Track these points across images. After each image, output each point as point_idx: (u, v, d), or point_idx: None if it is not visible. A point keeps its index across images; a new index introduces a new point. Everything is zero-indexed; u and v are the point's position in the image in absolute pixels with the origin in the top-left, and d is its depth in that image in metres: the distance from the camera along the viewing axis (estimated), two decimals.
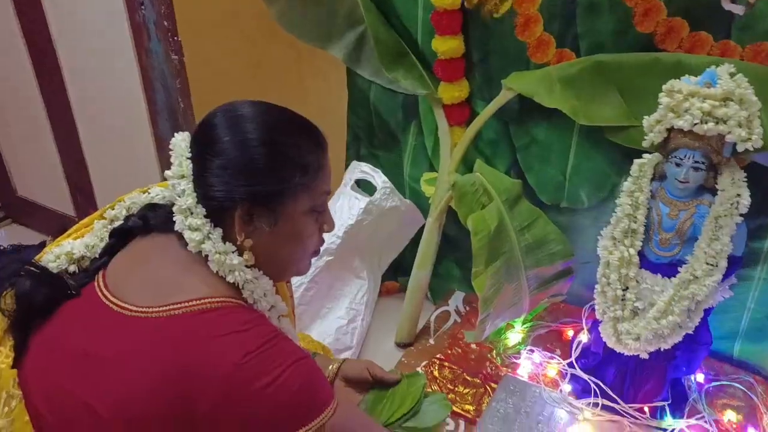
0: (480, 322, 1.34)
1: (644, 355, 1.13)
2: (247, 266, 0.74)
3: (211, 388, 0.64)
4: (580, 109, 1.19)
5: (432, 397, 1.00)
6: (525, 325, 1.47)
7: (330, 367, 1.03)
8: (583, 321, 1.36)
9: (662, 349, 1.12)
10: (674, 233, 1.10)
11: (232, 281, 0.72)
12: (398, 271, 1.70)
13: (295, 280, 1.34)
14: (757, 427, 1.20)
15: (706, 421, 1.20)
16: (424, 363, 1.41)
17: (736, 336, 1.30)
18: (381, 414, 0.95)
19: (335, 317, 1.39)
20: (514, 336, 1.45)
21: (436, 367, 1.38)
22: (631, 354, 1.14)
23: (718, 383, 1.29)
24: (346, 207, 1.44)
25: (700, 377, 1.29)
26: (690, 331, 1.10)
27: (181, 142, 0.76)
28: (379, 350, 1.49)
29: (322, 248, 0.84)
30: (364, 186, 1.59)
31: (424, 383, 1.01)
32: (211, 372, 0.65)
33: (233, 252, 0.72)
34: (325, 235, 0.82)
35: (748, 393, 1.26)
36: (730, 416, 1.22)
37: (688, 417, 1.21)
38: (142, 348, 0.66)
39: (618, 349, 1.15)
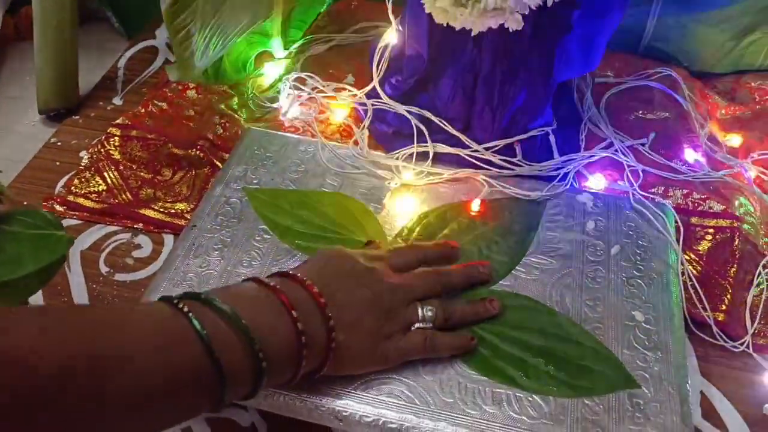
0: (178, 42, 0.64)
1: (515, 24, 0.51)
2: None
3: None
4: None
5: None
6: (294, 46, 0.80)
7: None
8: (389, 10, 0.70)
9: (546, 16, 0.51)
10: None
11: None
12: None
13: None
14: (696, 144, 0.68)
15: (617, 150, 0.66)
16: (96, 140, 0.71)
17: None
18: None
19: None
20: (274, 69, 0.77)
21: (116, 142, 0.69)
22: (486, 30, 0.52)
23: (622, 86, 0.74)
24: None
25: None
26: None
27: None
28: (12, 129, 0.76)
29: None
30: None
31: None
32: None
33: None
34: None
35: (674, 95, 0.72)
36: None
37: (588, 148, 0.66)
38: None
39: (459, 23, 0.53)
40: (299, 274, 0.42)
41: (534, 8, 0.51)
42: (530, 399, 0.46)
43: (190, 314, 0.35)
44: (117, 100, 0.78)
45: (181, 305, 0.36)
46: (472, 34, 0.53)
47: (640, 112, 0.71)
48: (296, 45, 0.79)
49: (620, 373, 0.47)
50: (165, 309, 0.36)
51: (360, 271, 0.45)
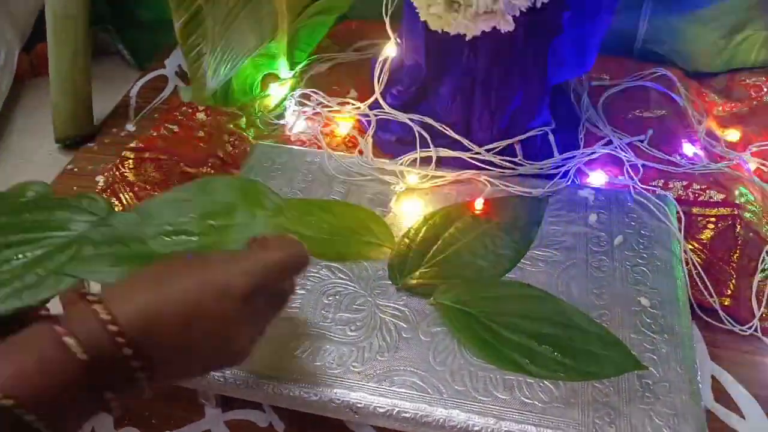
0: (191, 61, 0.67)
1: (506, 26, 0.54)
2: None
3: None
4: None
5: None
6: (298, 66, 0.82)
7: None
8: (387, 25, 0.73)
9: (537, 18, 0.53)
10: None
11: None
12: None
13: None
14: (694, 139, 0.70)
15: (616, 147, 0.68)
16: (111, 164, 0.74)
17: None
18: None
19: None
20: (279, 91, 0.80)
21: (130, 164, 0.71)
22: (479, 34, 0.55)
23: (619, 87, 0.76)
24: None
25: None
26: None
27: None
28: (31, 158, 0.79)
29: None
30: None
31: None
32: None
33: None
34: None
35: (670, 93, 0.74)
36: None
37: (587, 147, 0.68)
38: None
39: (453, 28, 0.55)
40: None
41: (524, 10, 0.53)
42: (541, 384, 0.46)
43: None
44: (130, 127, 0.80)
45: None
46: (467, 38, 0.56)
47: (637, 111, 0.73)
48: (301, 65, 0.82)
49: (626, 357, 0.47)
50: None
51: None
